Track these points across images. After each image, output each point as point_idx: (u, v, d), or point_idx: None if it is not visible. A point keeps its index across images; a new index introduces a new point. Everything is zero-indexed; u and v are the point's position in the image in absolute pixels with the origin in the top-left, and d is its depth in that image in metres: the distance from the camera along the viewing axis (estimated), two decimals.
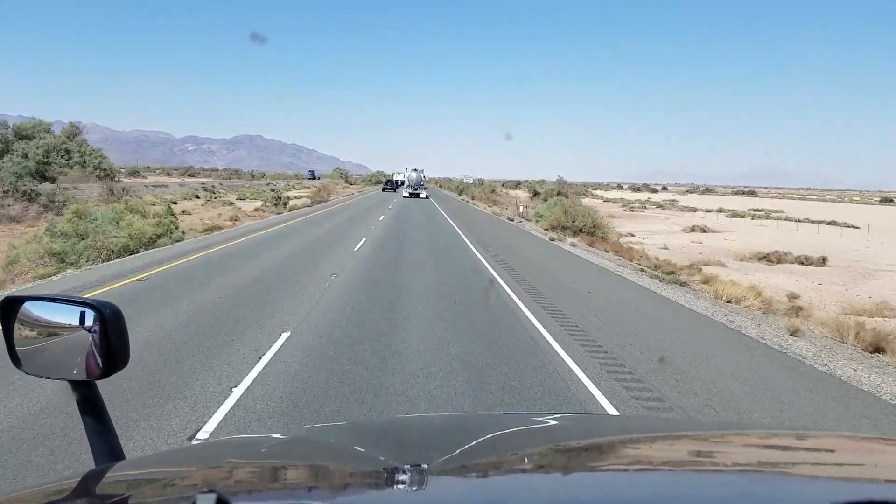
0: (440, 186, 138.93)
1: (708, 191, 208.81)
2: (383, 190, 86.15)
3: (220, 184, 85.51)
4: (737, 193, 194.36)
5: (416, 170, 65.46)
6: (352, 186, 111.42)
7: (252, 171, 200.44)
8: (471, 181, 70.59)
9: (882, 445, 1.46)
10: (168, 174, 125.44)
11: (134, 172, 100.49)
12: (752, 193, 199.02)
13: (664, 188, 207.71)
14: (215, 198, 52.40)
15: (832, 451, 1.40)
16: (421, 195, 61.48)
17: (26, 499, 1.10)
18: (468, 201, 63.34)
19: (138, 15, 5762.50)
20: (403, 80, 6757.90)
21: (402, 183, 74.53)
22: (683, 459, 1.34)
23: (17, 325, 1.40)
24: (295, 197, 53.65)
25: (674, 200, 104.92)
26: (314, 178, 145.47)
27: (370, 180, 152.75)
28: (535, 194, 73.85)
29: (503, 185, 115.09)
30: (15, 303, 1.41)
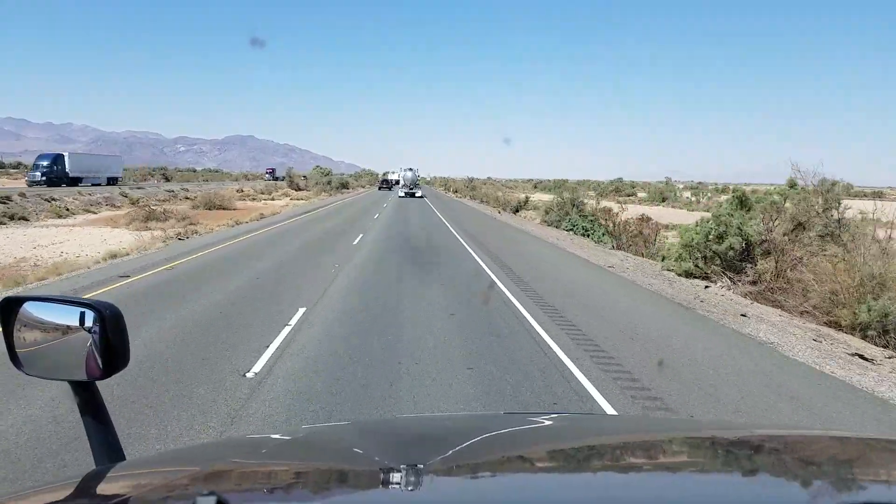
0: (450, 191, 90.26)
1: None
2: (379, 189, 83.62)
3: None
4: None
5: (410, 169, 64.95)
6: (298, 194, 62.67)
7: (246, 172, 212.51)
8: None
9: (882, 445, 1.44)
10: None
11: None
12: (881, 196, 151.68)
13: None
14: None
15: (831, 451, 1.38)
16: (417, 194, 61.66)
17: (27, 499, 1.08)
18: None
19: (129, 15, 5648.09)
20: (397, 79, 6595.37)
21: (397, 182, 73.77)
22: (681, 460, 1.34)
23: (17, 327, 1.36)
24: None
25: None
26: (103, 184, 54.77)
27: (327, 183, 78.71)
28: (797, 227, 15.75)
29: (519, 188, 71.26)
30: (15, 304, 1.37)
